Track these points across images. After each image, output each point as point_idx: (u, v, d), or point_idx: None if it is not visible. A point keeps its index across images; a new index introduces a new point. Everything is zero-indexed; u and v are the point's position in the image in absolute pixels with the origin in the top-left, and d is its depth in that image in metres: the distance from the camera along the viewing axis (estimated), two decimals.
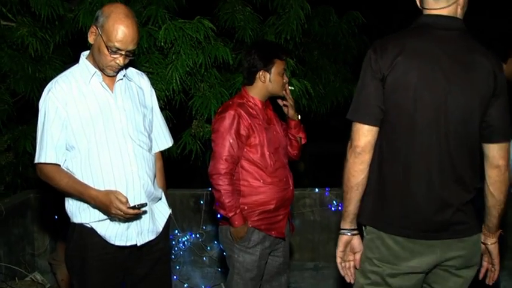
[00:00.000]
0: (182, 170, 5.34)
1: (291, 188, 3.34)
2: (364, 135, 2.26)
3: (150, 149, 2.83)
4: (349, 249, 2.43)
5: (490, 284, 2.51)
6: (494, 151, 2.29)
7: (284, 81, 3.29)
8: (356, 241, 2.42)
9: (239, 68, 4.87)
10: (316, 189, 4.76)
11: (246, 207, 3.20)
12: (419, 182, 2.28)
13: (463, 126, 2.24)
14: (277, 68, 3.24)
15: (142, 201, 2.62)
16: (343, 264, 2.46)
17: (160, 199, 2.90)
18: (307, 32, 5.23)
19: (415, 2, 2.35)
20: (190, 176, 5.55)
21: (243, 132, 3.15)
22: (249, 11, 4.83)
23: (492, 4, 8.53)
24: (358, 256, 2.43)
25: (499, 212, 2.37)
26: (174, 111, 4.37)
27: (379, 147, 2.32)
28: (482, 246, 2.43)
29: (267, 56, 3.23)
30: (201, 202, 4.73)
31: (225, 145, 3.13)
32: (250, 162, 3.21)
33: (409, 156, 2.27)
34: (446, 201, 2.28)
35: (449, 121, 2.23)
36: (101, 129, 2.61)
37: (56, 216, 4.58)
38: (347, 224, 2.41)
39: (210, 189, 4.55)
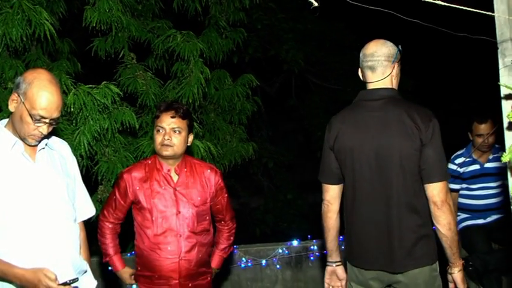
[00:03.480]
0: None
1: (182, 259, 3.18)
2: (328, 191, 2.99)
3: (74, 220, 2.71)
4: (335, 277, 3.05)
5: None
6: (429, 190, 2.75)
7: (161, 138, 3.15)
8: (339, 270, 3.04)
9: (140, 131, 4.94)
10: None
11: (138, 268, 3.31)
12: (365, 226, 2.86)
13: (399, 175, 2.76)
14: (156, 124, 3.20)
15: (73, 277, 2.51)
16: None
17: (85, 271, 2.77)
18: (204, 95, 5.40)
19: (358, 74, 2.99)
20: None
21: (131, 196, 3.23)
22: (150, 76, 4.91)
23: None
24: (344, 282, 3.04)
25: (448, 244, 2.78)
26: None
27: (345, 199, 2.96)
28: (449, 275, 2.88)
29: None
30: (110, 268, 4.60)
31: (111, 198, 3.33)
32: (138, 224, 3.26)
33: (357, 207, 2.87)
34: (384, 242, 2.81)
35: (384, 173, 2.78)
36: (24, 203, 2.46)
37: None
38: (329, 257, 3.06)
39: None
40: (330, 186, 2.97)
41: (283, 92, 9.86)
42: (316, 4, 1.73)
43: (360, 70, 2.96)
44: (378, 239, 2.83)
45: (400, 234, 2.78)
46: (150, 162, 3.28)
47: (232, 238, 3.58)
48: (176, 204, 3.20)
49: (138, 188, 3.20)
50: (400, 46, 2.91)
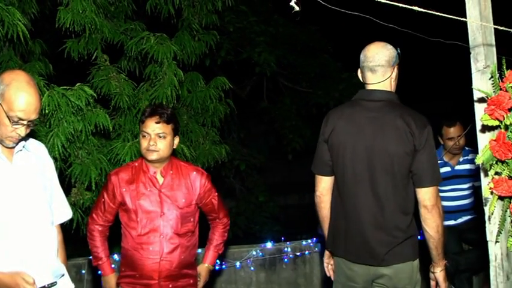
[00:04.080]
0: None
1: (164, 260, 3.21)
2: (320, 183, 3.10)
3: (52, 223, 2.71)
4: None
5: None
6: (421, 194, 2.86)
7: (146, 144, 3.18)
8: None
9: (113, 133, 4.90)
10: (199, 250, 4.80)
11: (123, 268, 3.33)
12: (351, 221, 2.98)
13: (389, 177, 2.86)
14: (141, 129, 3.22)
15: (51, 281, 2.51)
16: (329, 267, 3.27)
17: (63, 275, 2.76)
18: (177, 97, 5.37)
19: (357, 76, 3.09)
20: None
21: (118, 197, 3.26)
22: (123, 78, 4.88)
23: None
24: None
25: (435, 245, 2.92)
26: None
27: (334, 191, 3.09)
28: (431, 274, 3.04)
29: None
30: (83, 272, 4.58)
31: (100, 201, 3.33)
32: (123, 225, 3.30)
33: (344, 201, 3.00)
34: (370, 238, 2.93)
35: (373, 173, 2.88)
36: (1, 205, 2.45)
37: None
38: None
39: (91, 257, 4.47)
40: (323, 177, 3.09)
41: (255, 95, 9.88)
42: (297, 8, 1.76)
43: (359, 71, 3.06)
44: (365, 235, 2.94)
45: (387, 233, 2.91)
46: (136, 164, 3.32)
47: (226, 234, 3.63)
48: (161, 206, 3.23)
49: (124, 189, 3.24)
50: (399, 49, 3.01)
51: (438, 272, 3.01)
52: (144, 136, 3.20)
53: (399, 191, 2.88)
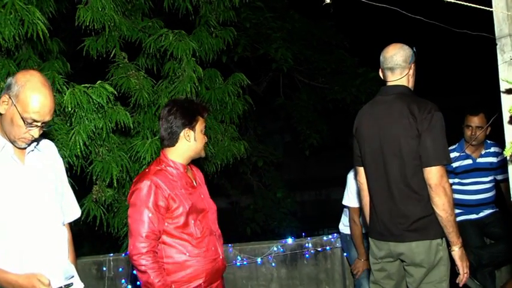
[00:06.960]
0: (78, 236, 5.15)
1: (221, 257, 3.05)
2: (359, 173, 3.49)
3: (63, 223, 2.68)
4: None
5: (460, 284, 3.23)
6: (425, 174, 3.09)
7: (205, 140, 3.13)
8: None
9: (133, 130, 4.91)
10: None
11: (173, 286, 2.90)
12: (374, 204, 3.34)
13: (398, 160, 3.17)
14: (200, 125, 3.04)
15: (66, 282, 2.50)
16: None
17: (73, 276, 2.70)
18: (196, 94, 5.37)
19: (379, 74, 3.44)
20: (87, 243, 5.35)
21: (161, 203, 2.88)
22: (142, 75, 4.88)
23: None
24: None
25: (444, 224, 3.09)
26: (75, 177, 4.25)
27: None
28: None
29: (190, 113, 3.01)
30: (104, 269, 4.59)
31: (144, 220, 2.85)
32: (173, 236, 2.92)
33: (369, 185, 3.38)
34: (388, 219, 3.24)
35: (386, 158, 3.22)
36: (14, 206, 2.42)
37: None
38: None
39: (111, 255, 4.49)
40: (359, 168, 3.47)
41: (271, 91, 9.86)
42: (328, 0, 1.76)
43: (380, 70, 3.40)
44: (383, 213, 3.27)
45: (398, 211, 3.18)
46: (163, 166, 3.01)
47: None
48: (205, 204, 3.09)
49: (170, 193, 2.92)
50: (414, 48, 3.31)
51: (454, 251, 3.14)
52: (202, 132, 3.11)
53: (408, 172, 3.14)
